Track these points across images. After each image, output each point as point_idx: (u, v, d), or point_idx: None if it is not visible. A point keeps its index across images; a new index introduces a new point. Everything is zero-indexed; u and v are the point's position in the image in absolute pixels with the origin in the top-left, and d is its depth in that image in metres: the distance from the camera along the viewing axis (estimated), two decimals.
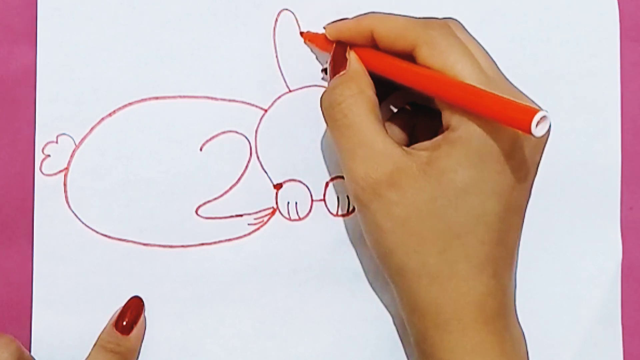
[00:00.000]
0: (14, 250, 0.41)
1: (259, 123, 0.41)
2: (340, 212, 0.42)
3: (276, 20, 0.41)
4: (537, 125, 0.31)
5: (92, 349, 0.39)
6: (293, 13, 0.41)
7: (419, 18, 0.37)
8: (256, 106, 0.41)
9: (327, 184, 0.42)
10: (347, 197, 0.42)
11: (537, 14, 0.42)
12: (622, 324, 0.43)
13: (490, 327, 0.35)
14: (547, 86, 0.42)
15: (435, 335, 0.36)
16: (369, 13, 0.38)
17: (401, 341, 0.42)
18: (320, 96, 0.38)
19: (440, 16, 0.41)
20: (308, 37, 0.41)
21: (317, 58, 0.41)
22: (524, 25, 0.42)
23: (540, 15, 0.42)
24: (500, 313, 0.36)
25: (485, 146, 0.34)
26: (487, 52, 0.36)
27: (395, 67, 0.37)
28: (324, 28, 0.40)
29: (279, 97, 0.41)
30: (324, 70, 0.41)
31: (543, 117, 0.31)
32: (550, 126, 0.32)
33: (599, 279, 0.43)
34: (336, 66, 0.38)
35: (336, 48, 0.39)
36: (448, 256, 0.35)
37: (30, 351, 0.40)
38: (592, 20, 0.43)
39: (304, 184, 0.41)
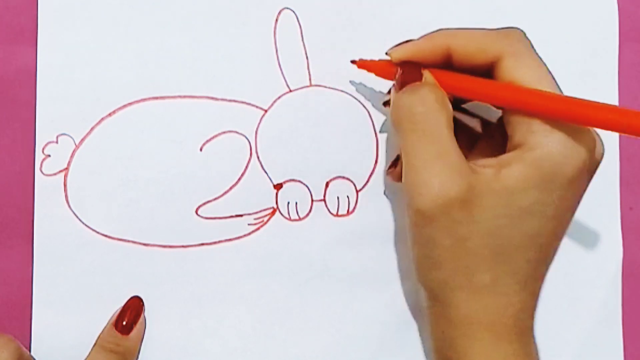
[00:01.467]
0: (14, 250, 0.41)
1: (259, 123, 0.41)
2: (340, 212, 0.42)
3: (277, 19, 0.41)
4: None
5: (91, 349, 0.39)
6: (294, 12, 0.41)
7: (492, 29, 0.36)
8: (256, 106, 0.41)
9: (327, 184, 0.42)
10: (347, 197, 0.42)
11: (537, 14, 0.43)
12: (623, 324, 0.43)
13: (521, 341, 0.35)
14: None
15: (465, 343, 0.35)
16: (439, 30, 0.37)
17: (422, 340, 0.42)
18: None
19: (439, 17, 0.42)
20: (362, 66, 0.39)
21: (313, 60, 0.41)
22: (524, 25, 0.42)
23: (540, 15, 0.43)
24: (529, 328, 0.36)
25: (558, 170, 0.33)
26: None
27: (476, 85, 0.35)
28: (387, 53, 0.37)
29: (279, 97, 0.41)
30: (386, 104, 0.40)
31: None
32: None
33: (600, 279, 0.43)
34: (407, 84, 0.36)
35: (405, 68, 0.37)
36: (495, 272, 0.34)
37: (30, 351, 0.40)
38: (592, 21, 0.43)
39: (304, 184, 0.41)
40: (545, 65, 0.35)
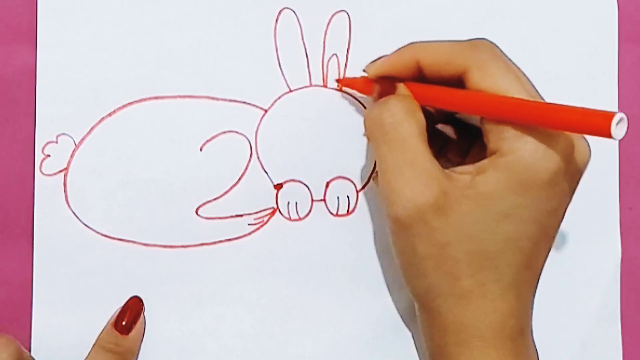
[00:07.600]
0: (14, 250, 0.41)
1: (259, 123, 0.41)
2: (340, 212, 0.42)
3: (277, 19, 0.41)
4: (616, 126, 0.30)
5: (91, 349, 0.39)
6: (294, 11, 0.41)
7: (461, 41, 0.36)
8: (256, 106, 0.41)
9: (327, 184, 0.42)
10: (348, 197, 0.42)
11: (537, 14, 0.43)
12: (622, 324, 0.43)
13: (510, 345, 0.35)
14: (546, 87, 0.42)
15: (454, 351, 0.36)
16: (409, 44, 0.38)
17: (416, 348, 0.42)
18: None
19: (439, 17, 0.42)
20: (345, 83, 0.41)
21: (309, 65, 0.41)
22: (524, 25, 0.42)
23: (540, 15, 0.43)
24: (520, 332, 0.36)
25: (532, 173, 0.34)
26: (524, 74, 0.36)
27: (447, 95, 0.36)
28: (364, 70, 0.39)
29: (279, 97, 0.41)
30: None
31: (621, 119, 0.30)
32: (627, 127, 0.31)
33: (599, 279, 0.43)
34: (383, 97, 0.37)
35: (382, 83, 0.38)
36: (479, 278, 0.35)
37: (30, 351, 0.40)
38: (591, 21, 0.43)
39: (304, 184, 0.41)
40: (515, 71, 0.35)
